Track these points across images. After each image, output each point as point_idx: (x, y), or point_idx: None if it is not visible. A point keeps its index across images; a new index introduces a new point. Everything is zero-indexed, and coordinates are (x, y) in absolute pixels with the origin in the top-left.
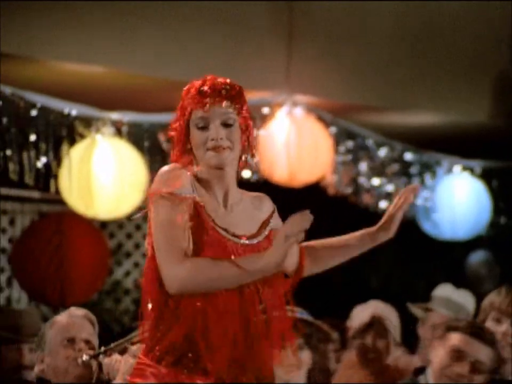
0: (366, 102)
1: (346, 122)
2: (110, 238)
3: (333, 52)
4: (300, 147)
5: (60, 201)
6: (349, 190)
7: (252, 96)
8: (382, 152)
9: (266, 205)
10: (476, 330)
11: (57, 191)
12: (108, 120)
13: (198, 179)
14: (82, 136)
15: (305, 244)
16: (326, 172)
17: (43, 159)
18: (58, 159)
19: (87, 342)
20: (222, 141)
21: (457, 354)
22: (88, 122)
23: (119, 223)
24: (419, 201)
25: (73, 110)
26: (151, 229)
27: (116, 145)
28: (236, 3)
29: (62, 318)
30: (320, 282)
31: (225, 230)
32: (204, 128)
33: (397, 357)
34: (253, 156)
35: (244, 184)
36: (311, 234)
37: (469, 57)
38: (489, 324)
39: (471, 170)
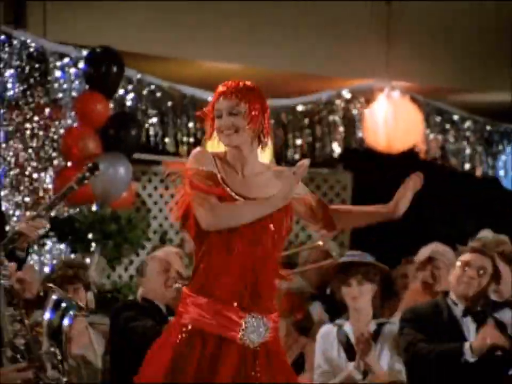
0: (452, 84)
1: (435, 102)
2: None
3: (424, 45)
4: (396, 122)
5: None
6: (437, 155)
7: (358, 83)
8: (466, 124)
9: (286, 178)
10: (478, 248)
11: None
12: None
13: (223, 157)
14: None
15: (332, 207)
16: (418, 141)
17: (192, 137)
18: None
19: (178, 272)
20: (227, 127)
21: (466, 265)
22: None
23: None
24: (499, 163)
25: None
26: (181, 193)
27: None
28: (342, 5)
29: (159, 253)
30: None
31: (238, 194)
32: (219, 117)
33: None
34: (266, 137)
35: (352, 153)
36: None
37: None
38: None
39: None
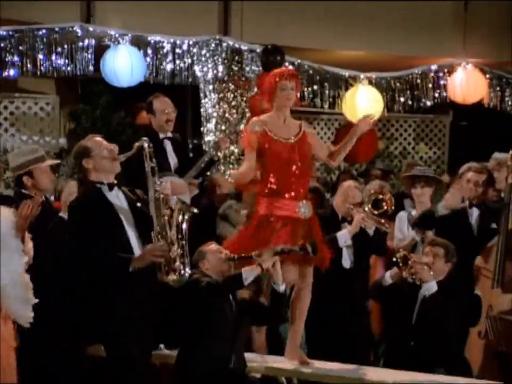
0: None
1: (496, 71)
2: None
3: (492, 31)
4: (468, 84)
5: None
6: (497, 104)
7: (443, 61)
8: None
9: (300, 126)
10: (475, 167)
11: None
12: (364, 76)
13: (271, 114)
14: (351, 85)
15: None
16: (483, 96)
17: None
18: (340, 97)
19: (354, 198)
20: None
21: (468, 181)
22: (354, 78)
23: (387, 127)
24: None
25: (347, 73)
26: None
27: (368, 89)
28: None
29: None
30: None
31: (281, 137)
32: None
33: None
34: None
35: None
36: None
37: None
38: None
39: None
